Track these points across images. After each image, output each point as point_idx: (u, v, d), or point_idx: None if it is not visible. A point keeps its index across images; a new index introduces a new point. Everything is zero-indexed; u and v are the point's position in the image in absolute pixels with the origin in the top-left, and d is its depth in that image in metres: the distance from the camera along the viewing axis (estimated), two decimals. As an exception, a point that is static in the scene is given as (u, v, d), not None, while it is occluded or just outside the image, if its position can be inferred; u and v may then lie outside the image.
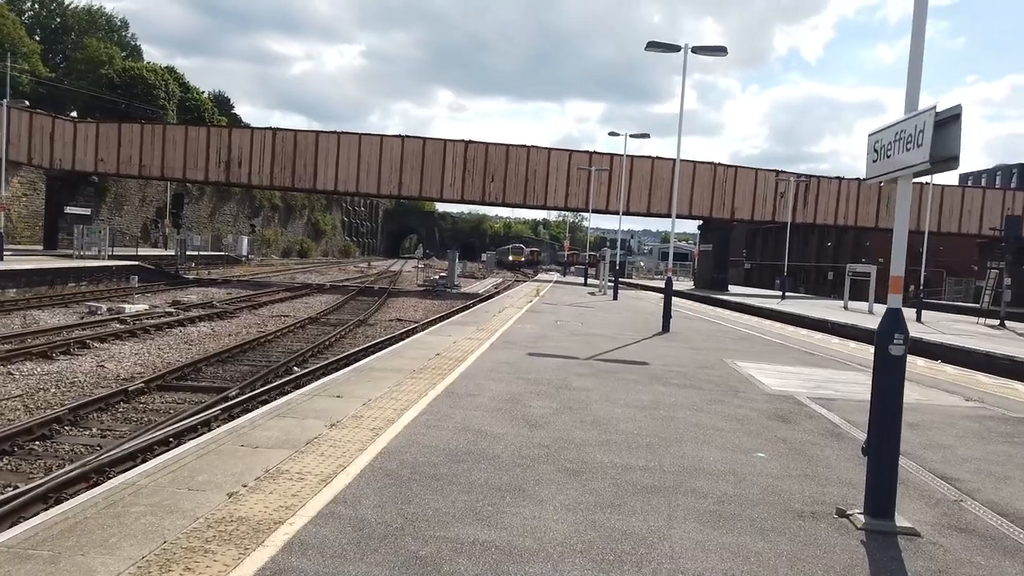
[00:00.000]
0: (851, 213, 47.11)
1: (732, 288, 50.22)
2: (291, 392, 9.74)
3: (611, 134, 32.61)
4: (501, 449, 5.85)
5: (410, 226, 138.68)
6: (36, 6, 77.36)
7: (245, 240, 71.56)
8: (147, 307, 24.34)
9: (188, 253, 47.37)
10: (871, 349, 16.17)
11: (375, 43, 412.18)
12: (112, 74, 70.08)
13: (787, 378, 11.33)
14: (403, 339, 13.20)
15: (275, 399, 9.33)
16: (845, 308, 34.27)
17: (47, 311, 22.75)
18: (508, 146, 44.84)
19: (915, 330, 23.14)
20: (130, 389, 11.90)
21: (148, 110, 66.02)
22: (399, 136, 44.55)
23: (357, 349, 16.25)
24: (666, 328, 17.48)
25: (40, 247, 44.47)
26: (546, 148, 45.11)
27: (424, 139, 44.72)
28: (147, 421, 10.58)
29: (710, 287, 46.63)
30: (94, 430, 9.97)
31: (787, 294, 45.40)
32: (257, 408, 8.26)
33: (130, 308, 23.42)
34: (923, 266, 31.82)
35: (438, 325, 16.20)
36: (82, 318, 21.58)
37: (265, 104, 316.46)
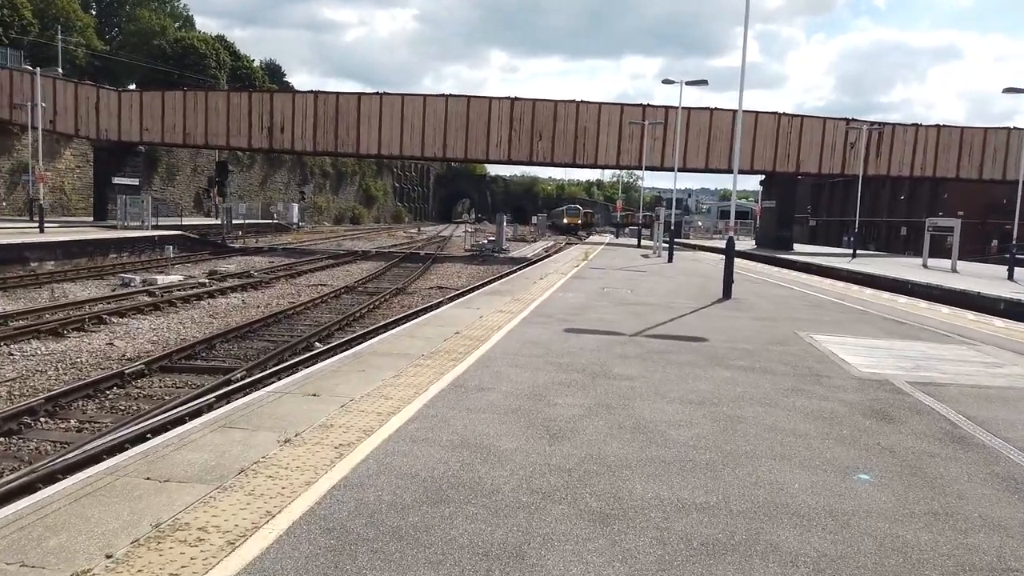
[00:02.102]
0: (929, 163, 43.48)
1: (797, 247, 47.30)
2: (302, 371, 8.37)
3: (665, 82, 30.12)
4: (504, 477, 4.29)
5: (462, 190, 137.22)
6: (91, -22, 77.68)
7: (295, 207, 71.28)
8: (181, 278, 23.57)
9: (236, 222, 47.03)
10: (967, 315, 13.90)
11: (428, 6, 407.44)
12: (164, 45, 70.27)
13: (877, 356, 9.44)
14: (424, 314, 11.72)
15: (284, 379, 8.01)
16: (925, 266, 31.43)
17: (80, 283, 22.17)
18: (556, 102, 42.63)
19: (1010, 290, 20.61)
20: (127, 372, 10.80)
21: (200, 80, 65.90)
22: (442, 96, 42.78)
23: (387, 321, 14.94)
24: (727, 294, 15.57)
25: (91, 218, 44.63)
26: (596, 103, 42.69)
27: (468, 98, 42.85)
28: (135, 410, 9.44)
29: (774, 246, 43.89)
30: (72, 422, 8.84)
31: (858, 252, 42.38)
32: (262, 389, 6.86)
33: (163, 279, 22.64)
34: (1016, 219, 28.70)
35: (470, 295, 14.65)
36: (114, 290, 20.88)
37: (321, 72, 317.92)
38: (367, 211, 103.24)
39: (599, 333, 9.82)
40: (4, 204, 45.96)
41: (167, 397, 10.00)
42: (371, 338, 9.75)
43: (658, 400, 6.39)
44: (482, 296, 14.02)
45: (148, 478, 3.97)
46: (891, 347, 10.20)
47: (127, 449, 5.74)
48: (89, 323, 15.01)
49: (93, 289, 21.19)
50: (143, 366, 11.18)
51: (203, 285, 22.15)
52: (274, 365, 11.78)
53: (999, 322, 13.90)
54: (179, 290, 20.81)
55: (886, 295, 19.04)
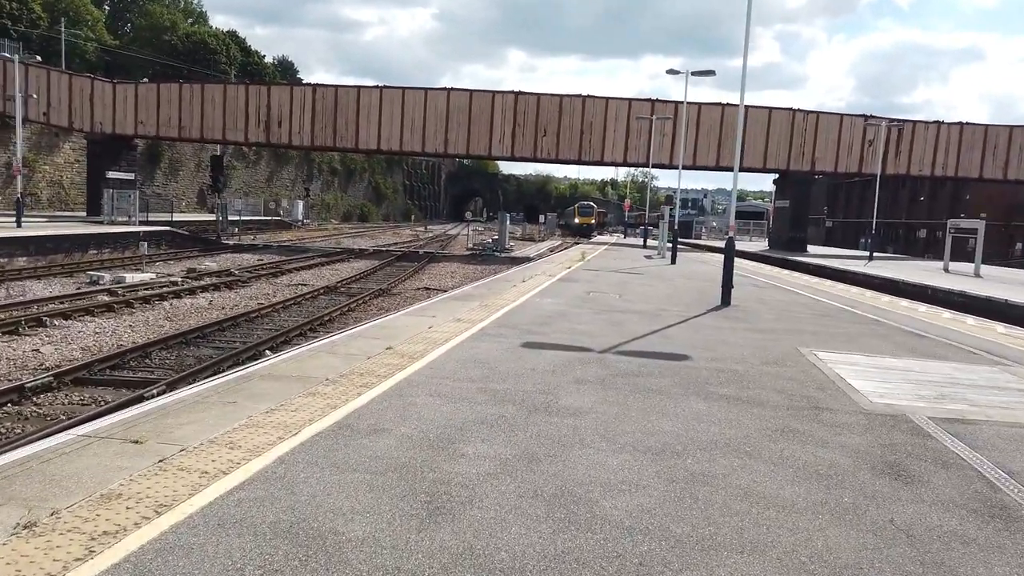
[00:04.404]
0: (951, 163, 41.56)
1: (812, 248, 45.43)
2: (151, 403, 6.85)
3: (670, 72, 28.34)
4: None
5: (474, 189, 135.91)
6: (104, -25, 77.12)
7: (300, 204, 70.31)
8: (152, 276, 22.35)
9: (234, 218, 45.83)
10: (996, 327, 12.11)
11: (447, 4, 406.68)
12: (175, 40, 69.69)
13: (892, 380, 7.90)
14: (371, 322, 10.27)
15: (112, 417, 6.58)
16: (946, 271, 29.64)
17: (45, 281, 20.99)
18: (562, 97, 41.10)
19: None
20: (28, 385, 9.49)
21: (210, 75, 65.12)
22: (444, 89, 41.40)
23: (336, 333, 13.55)
24: (726, 301, 14.02)
25: (84, 213, 43.67)
26: (603, 98, 41.08)
27: (471, 92, 41.43)
28: (18, 433, 8.12)
29: (787, 248, 42.10)
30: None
31: (875, 255, 40.53)
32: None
33: (133, 277, 21.44)
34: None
35: (433, 300, 13.19)
36: (78, 288, 19.70)
37: (339, 71, 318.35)
38: (376, 209, 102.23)
39: (562, 349, 8.33)
40: (-2, 199, 45.14)
41: (63, 417, 8.69)
42: (292, 351, 8.33)
43: (603, 448, 4.91)
44: (446, 301, 12.52)
45: None
46: (909, 369, 8.64)
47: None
48: (26, 325, 13.74)
49: (57, 287, 20.01)
50: (51, 378, 9.86)
51: (174, 284, 20.93)
52: (206, 378, 10.41)
53: (1033, 336, 12.26)
54: (146, 289, 19.58)
55: (904, 303, 17.39)
